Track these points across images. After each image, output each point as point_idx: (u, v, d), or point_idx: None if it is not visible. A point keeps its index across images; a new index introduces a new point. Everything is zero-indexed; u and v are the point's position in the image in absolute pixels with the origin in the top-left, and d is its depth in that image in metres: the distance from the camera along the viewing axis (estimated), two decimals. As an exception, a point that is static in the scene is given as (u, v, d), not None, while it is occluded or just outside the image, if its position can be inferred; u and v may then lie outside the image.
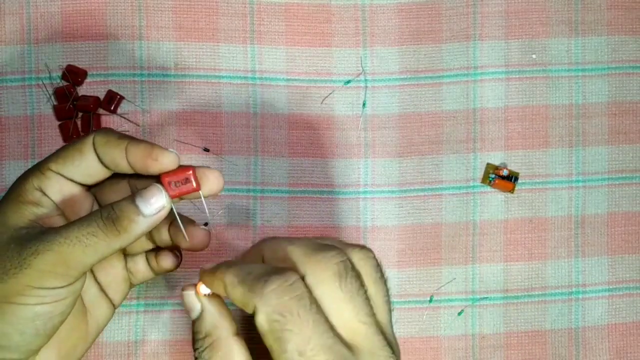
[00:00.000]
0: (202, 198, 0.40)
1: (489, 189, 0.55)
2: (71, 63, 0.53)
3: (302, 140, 0.54)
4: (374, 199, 0.54)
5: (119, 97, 0.53)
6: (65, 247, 0.37)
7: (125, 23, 0.53)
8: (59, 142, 0.53)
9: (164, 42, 0.54)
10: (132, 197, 0.39)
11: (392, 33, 0.55)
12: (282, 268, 0.34)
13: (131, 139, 0.40)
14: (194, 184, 0.39)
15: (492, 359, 0.54)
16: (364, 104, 0.54)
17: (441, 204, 0.55)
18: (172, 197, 0.39)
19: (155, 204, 0.39)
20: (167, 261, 0.44)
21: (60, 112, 0.53)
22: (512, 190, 0.54)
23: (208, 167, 0.41)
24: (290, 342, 0.33)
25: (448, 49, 0.55)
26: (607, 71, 0.55)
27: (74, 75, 0.53)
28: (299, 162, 0.54)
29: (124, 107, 0.53)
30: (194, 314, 0.38)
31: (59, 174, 0.40)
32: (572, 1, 0.55)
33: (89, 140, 0.40)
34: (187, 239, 0.42)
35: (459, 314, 0.54)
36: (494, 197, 0.55)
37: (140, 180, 0.42)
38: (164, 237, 0.43)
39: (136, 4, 0.53)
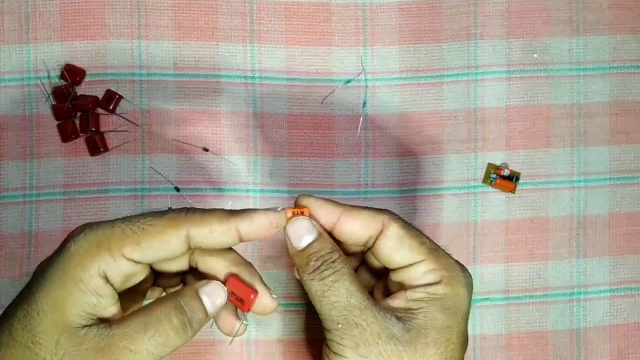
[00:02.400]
0: (244, 316, 0.41)
1: (490, 189, 0.55)
2: (70, 62, 0.53)
3: (302, 140, 0.54)
4: (374, 199, 0.54)
5: (117, 96, 0.53)
6: None
7: (124, 22, 0.53)
8: (57, 142, 0.53)
9: (163, 41, 0.53)
10: (196, 293, 0.37)
11: (393, 32, 0.54)
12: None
13: (236, 216, 0.38)
14: (248, 306, 0.39)
15: (493, 360, 0.54)
16: (364, 104, 0.54)
17: (442, 204, 0.54)
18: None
19: (217, 302, 0.38)
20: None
21: (58, 112, 0.52)
22: (513, 191, 0.54)
23: (270, 295, 0.40)
24: (424, 237, 0.41)
25: (449, 48, 0.55)
26: (609, 71, 0.55)
27: (72, 74, 0.52)
28: (299, 162, 0.54)
29: (122, 107, 0.53)
30: (311, 238, 0.39)
31: (132, 260, 0.36)
32: (574, 0, 0.55)
33: (180, 234, 0.36)
34: (221, 329, 0.41)
35: (460, 314, 0.54)
36: (495, 197, 0.55)
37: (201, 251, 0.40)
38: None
39: (135, 2, 0.53)
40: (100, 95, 0.53)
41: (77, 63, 0.53)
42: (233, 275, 0.39)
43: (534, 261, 0.55)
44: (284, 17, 0.54)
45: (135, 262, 0.36)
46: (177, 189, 0.53)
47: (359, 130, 0.54)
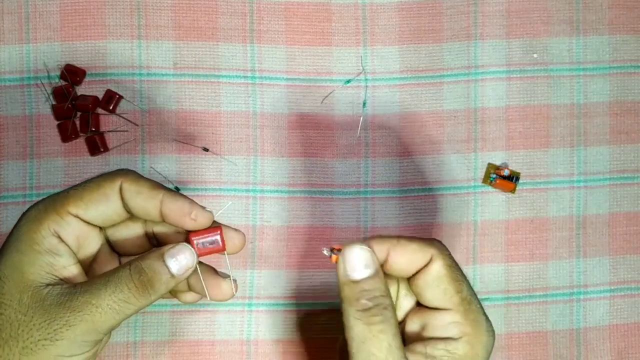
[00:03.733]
0: (226, 257, 0.41)
1: (490, 189, 0.55)
2: (70, 62, 0.53)
3: (302, 140, 0.54)
4: (374, 199, 0.54)
5: (117, 96, 0.53)
6: (97, 316, 0.36)
7: (124, 22, 0.53)
8: (57, 142, 0.53)
9: (163, 41, 0.53)
10: (161, 256, 0.38)
11: (393, 32, 0.54)
12: None
13: (165, 190, 0.39)
14: (221, 245, 0.40)
15: (493, 360, 0.54)
16: (364, 104, 0.54)
17: (442, 204, 0.54)
18: (199, 255, 0.39)
19: (185, 263, 0.38)
20: (190, 298, 0.44)
21: (58, 112, 0.52)
22: (513, 191, 0.54)
23: (232, 228, 0.41)
24: (464, 284, 0.39)
25: (449, 48, 0.55)
26: (609, 70, 0.55)
27: (72, 74, 0.52)
28: (299, 162, 0.54)
29: (122, 107, 0.53)
30: (368, 272, 0.38)
31: (77, 217, 0.38)
32: (573, 0, 0.55)
33: (114, 185, 0.39)
34: (208, 297, 0.41)
35: (460, 314, 0.54)
36: (495, 197, 0.55)
37: (158, 225, 0.41)
38: (180, 285, 0.42)
39: (135, 3, 0.53)
40: (100, 95, 0.53)
41: (77, 63, 0.53)
42: (191, 232, 0.39)
43: (534, 261, 0.55)
44: (284, 17, 0.54)
45: (82, 220, 0.38)
46: (177, 189, 0.53)
47: (359, 130, 0.54)
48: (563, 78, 0.55)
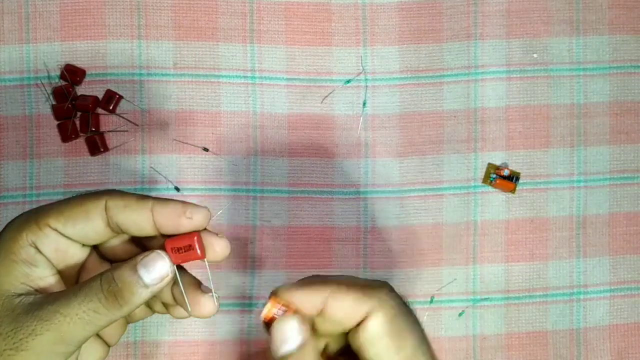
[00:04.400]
0: (207, 266, 0.38)
1: (490, 189, 0.55)
2: (70, 62, 0.53)
3: (302, 140, 0.54)
4: (374, 198, 0.54)
5: (117, 96, 0.53)
6: (65, 326, 0.35)
7: (124, 22, 0.53)
8: (57, 142, 0.53)
9: (163, 41, 0.53)
10: (133, 266, 0.36)
11: (393, 32, 0.54)
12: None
13: (154, 199, 0.37)
14: (198, 252, 0.37)
15: (493, 360, 0.54)
16: (364, 104, 0.54)
17: (442, 204, 0.54)
18: (175, 263, 0.37)
19: (158, 272, 0.36)
20: (179, 313, 0.41)
21: (58, 112, 0.52)
22: (513, 191, 0.54)
23: (215, 234, 0.38)
24: (408, 339, 0.36)
25: (449, 48, 0.55)
26: (609, 71, 0.55)
27: (72, 74, 0.52)
28: (299, 162, 0.54)
29: (122, 107, 0.53)
30: (290, 347, 0.35)
31: (57, 231, 0.37)
32: (574, 0, 0.55)
33: (98, 203, 0.37)
34: (190, 311, 0.39)
35: (460, 314, 0.54)
36: (495, 197, 0.55)
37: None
38: (166, 298, 0.40)
39: (135, 2, 0.53)
40: (100, 95, 0.53)
41: (77, 63, 0.53)
42: (168, 238, 0.37)
43: (534, 261, 0.55)
44: (284, 17, 0.54)
45: (62, 234, 0.37)
46: (177, 189, 0.53)
47: (359, 130, 0.54)
48: (563, 78, 0.55)
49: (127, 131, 0.53)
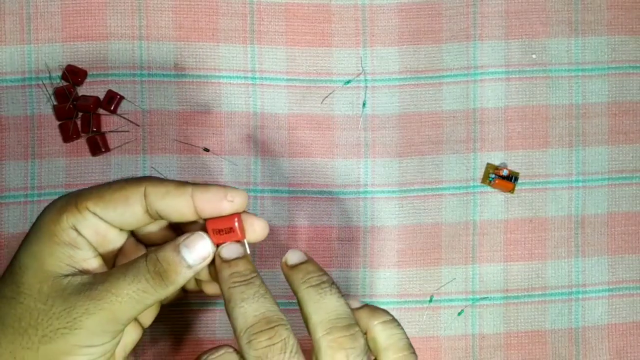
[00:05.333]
0: (247, 246, 0.39)
1: (489, 189, 0.55)
2: (71, 63, 0.53)
3: (302, 140, 0.54)
4: (374, 198, 0.54)
5: (119, 97, 0.53)
6: (117, 305, 0.36)
7: (125, 23, 0.53)
8: (59, 142, 0.53)
9: (164, 42, 0.54)
10: (176, 247, 0.38)
11: (392, 33, 0.55)
12: (275, 324, 0.36)
13: (193, 185, 0.38)
14: (239, 234, 0.38)
15: (492, 359, 0.54)
16: (364, 104, 0.54)
17: (441, 204, 0.55)
18: (216, 244, 0.38)
19: (200, 253, 0.38)
20: (212, 289, 0.43)
21: (60, 112, 0.53)
22: (512, 190, 0.54)
23: (254, 215, 0.40)
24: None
25: (448, 49, 0.55)
26: (607, 71, 0.55)
27: (74, 75, 0.53)
28: (299, 162, 0.54)
29: (124, 107, 0.53)
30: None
31: (96, 215, 0.38)
32: (572, 1, 0.55)
33: (138, 190, 0.38)
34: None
35: (459, 314, 0.54)
36: (494, 197, 0.55)
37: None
38: (202, 275, 0.42)
39: (136, 3, 0.53)
40: (101, 96, 0.53)
41: (79, 64, 0.53)
42: (209, 219, 0.38)
43: (532, 261, 0.55)
44: (284, 18, 0.54)
45: (101, 218, 0.38)
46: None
47: (358, 130, 0.55)
48: (562, 78, 0.55)
49: (128, 131, 0.53)
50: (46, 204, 0.52)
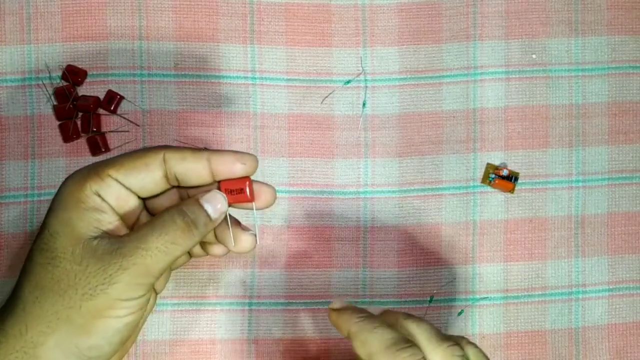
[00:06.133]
0: (254, 209, 0.43)
1: (489, 189, 0.55)
2: (71, 63, 0.53)
3: (302, 140, 0.54)
4: (374, 198, 0.54)
5: (119, 97, 0.53)
6: (149, 259, 0.39)
7: (125, 23, 0.53)
8: (59, 142, 0.53)
9: (164, 42, 0.54)
10: (197, 201, 0.41)
11: (392, 33, 0.55)
12: (410, 342, 0.39)
13: (208, 151, 0.42)
14: (248, 195, 0.42)
15: (492, 359, 0.54)
16: (364, 104, 0.55)
17: (441, 204, 0.55)
18: (229, 203, 0.42)
19: (218, 207, 0.41)
20: (218, 250, 0.45)
21: (60, 112, 0.53)
22: (512, 190, 0.54)
23: (263, 183, 0.43)
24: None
25: (448, 49, 0.55)
26: (607, 71, 0.55)
27: (74, 75, 0.53)
28: (299, 162, 0.54)
29: (124, 107, 0.53)
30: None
31: (118, 181, 0.40)
32: (572, 1, 0.55)
33: (157, 156, 0.41)
34: (234, 244, 0.43)
35: (459, 314, 0.54)
36: (494, 197, 0.55)
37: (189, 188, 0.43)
38: (209, 237, 0.45)
39: (136, 4, 0.53)
40: (101, 96, 0.53)
41: (79, 64, 0.53)
42: (222, 181, 0.42)
43: (532, 261, 0.55)
44: (284, 18, 0.54)
45: (122, 184, 0.40)
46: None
47: (358, 130, 0.55)
48: (562, 78, 0.55)
49: (128, 131, 0.53)
50: (46, 205, 0.52)
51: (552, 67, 0.55)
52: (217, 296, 0.53)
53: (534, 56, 0.55)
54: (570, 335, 0.55)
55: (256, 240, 0.44)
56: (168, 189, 0.43)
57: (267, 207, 0.44)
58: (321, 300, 0.54)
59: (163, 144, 0.44)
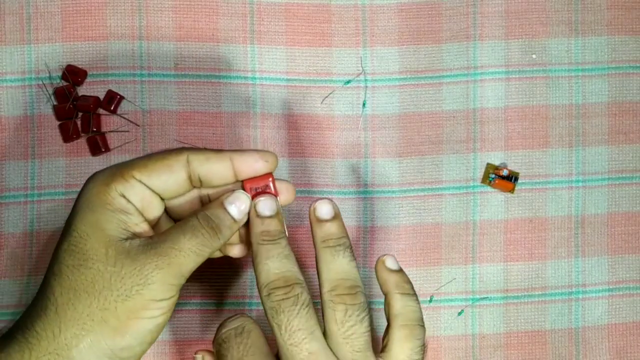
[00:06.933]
0: (280, 205, 0.44)
1: (489, 189, 0.55)
2: (71, 63, 0.53)
3: (302, 140, 0.54)
4: (373, 198, 0.54)
5: (119, 97, 0.53)
6: (182, 259, 0.39)
7: (125, 23, 0.53)
8: (59, 142, 0.53)
9: (164, 42, 0.54)
10: (221, 204, 0.42)
11: (392, 33, 0.55)
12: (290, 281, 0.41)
13: (230, 151, 0.43)
14: (273, 191, 0.43)
15: (492, 359, 0.54)
16: (364, 104, 0.55)
17: (441, 204, 0.55)
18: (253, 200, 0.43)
19: (242, 208, 0.42)
20: (237, 251, 0.46)
21: (60, 112, 0.53)
22: (512, 190, 0.54)
23: (283, 180, 0.44)
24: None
25: (448, 49, 0.55)
26: (607, 71, 0.55)
27: (74, 75, 0.53)
28: (299, 162, 0.54)
29: (124, 107, 0.53)
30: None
31: (142, 182, 0.41)
32: (572, 1, 0.55)
33: (181, 158, 0.42)
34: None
35: (459, 314, 0.54)
36: (494, 197, 0.55)
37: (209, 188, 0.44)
38: (232, 238, 0.45)
39: (136, 3, 0.53)
40: (101, 96, 0.53)
41: (79, 64, 0.53)
42: (246, 180, 0.43)
43: (532, 260, 0.55)
44: (284, 18, 0.54)
45: (146, 185, 0.41)
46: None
47: (358, 130, 0.55)
48: (562, 78, 0.55)
49: (128, 131, 0.53)
50: (46, 205, 0.52)
51: (552, 67, 0.55)
52: (217, 296, 0.54)
53: (534, 56, 0.55)
54: (570, 335, 0.55)
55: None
56: (189, 191, 0.43)
57: (288, 204, 0.45)
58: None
59: (184, 146, 0.46)
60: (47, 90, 0.53)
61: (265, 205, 0.43)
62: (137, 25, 0.54)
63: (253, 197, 0.43)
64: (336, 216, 0.43)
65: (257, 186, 0.43)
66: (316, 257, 0.43)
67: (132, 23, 0.53)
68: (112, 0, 0.53)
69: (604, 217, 0.55)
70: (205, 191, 0.44)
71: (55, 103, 0.53)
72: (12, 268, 0.52)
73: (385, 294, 0.44)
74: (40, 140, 0.53)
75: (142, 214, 0.41)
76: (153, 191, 0.42)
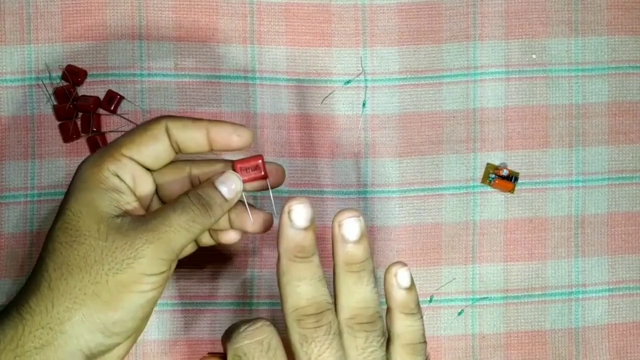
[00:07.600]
0: (269, 185, 0.45)
1: (489, 189, 0.55)
2: (71, 63, 0.53)
3: (302, 140, 0.54)
4: (374, 198, 0.54)
5: (119, 97, 0.53)
6: (172, 235, 0.40)
7: (125, 23, 0.53)
8: (59, 142, 0.53)
9: (164, 42, 0.54)
10: (211, 183, 0.42)
11: (392, 33, 0.55)
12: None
13: (207, 120, 0.44)
14: (262, 172, 0.43)
15: (492, 359, 0.54)
16: (364, 104, 0.55)
17: (441, 204, 0.55)
18: (243, 182, 0.43)
19: (233, 187, 0.43)
20: (230, 236, 0.46)
21: (60, 112, 0.53)
22: (512, 190, 0.54)
23: (273, 162, 0.45)
24: None
25: (448, 49, 0.55)
26: (607, 71, 0.55)
27: (74, 75, 0.53)
28: (299, 162, 0.54)
29: (123, 107, 0.53)
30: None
31: (131, 159, 0.42)
32: (572, 1, 0.55)
33: (160, 126, 0.43)
34: (252, 221, 0.45)
35: (459, 314, 0.54)
36: (494, 197, 0.55)
37: (199, 166, 0.45)
38: (222, 224, 0.46)
39: (136, 3, 0.53)
40: (101, 96, 0.53)
41: (79, 64, 0.53)
42: (236, 160, 0.43)
43: (532, 261, 0.55)
44: (284, 18, 0.54)
45: (136, 161, 0.42)
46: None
47: (358, 130, 0.55)
48: (562, 79, 0.55)
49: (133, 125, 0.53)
50: (46, 205, 0.52)
51: (552, 67, 0.55)
52: (217, 296, 0.54)
53: (534, 56, 0.55)
54: (570, 335, 0.55)
55: (273, 219, 0.45)
56: (173, 158, 0.44)
57: (278, 185, 0.45)
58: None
59: (166, 115, 0.45)
60: (47, 90, 0.53)
61: (301, 215, 0.38)
62: (137, 25, 0.54)
63: (244, 180, 0.43)
64: (363, 236, 0.39)
65: (247, 166, 0.43)
66: (334, 276, 0.40)
67: (132, 23, 0.53)
68: (112, 0, 0.53)
69: (604, 217, 0.55)
70: (195, 171, 0.45)
71: (55, 103, 0.53)
72: (12, 268, 0.52)
73: (388, 308, 0.41)
74: (40, 140, 0.53)
75: (134, 193, 0.42)
76: (142, 166, 0.43)
